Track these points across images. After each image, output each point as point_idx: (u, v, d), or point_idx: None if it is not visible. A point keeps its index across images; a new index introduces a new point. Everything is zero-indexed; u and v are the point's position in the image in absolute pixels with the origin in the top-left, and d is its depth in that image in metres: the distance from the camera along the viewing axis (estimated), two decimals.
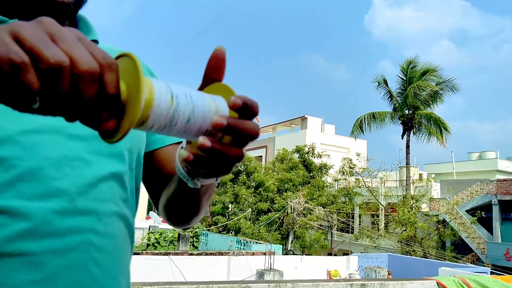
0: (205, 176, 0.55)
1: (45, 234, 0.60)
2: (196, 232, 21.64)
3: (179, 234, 16.53)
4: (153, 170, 0.84)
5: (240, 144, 0.48)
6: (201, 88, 0.54)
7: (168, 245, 18.37)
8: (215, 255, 11.83)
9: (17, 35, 0.35)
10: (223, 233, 21.22)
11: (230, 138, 0.47)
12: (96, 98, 0.38)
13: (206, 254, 11.82)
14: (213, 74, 0.52)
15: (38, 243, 0.59)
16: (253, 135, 0.47)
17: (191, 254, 11.52)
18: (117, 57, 0.42)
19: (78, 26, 0.80)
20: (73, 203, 0.63)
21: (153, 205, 0.90)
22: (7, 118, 0.62)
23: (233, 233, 21.55)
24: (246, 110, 0.47)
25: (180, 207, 0.74)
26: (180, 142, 0.90)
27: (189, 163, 0.50)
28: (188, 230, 21.02)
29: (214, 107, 0.47)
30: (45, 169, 0.62)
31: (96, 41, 0.81)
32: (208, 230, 21.19)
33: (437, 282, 4.30)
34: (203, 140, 0.46)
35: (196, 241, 21.25)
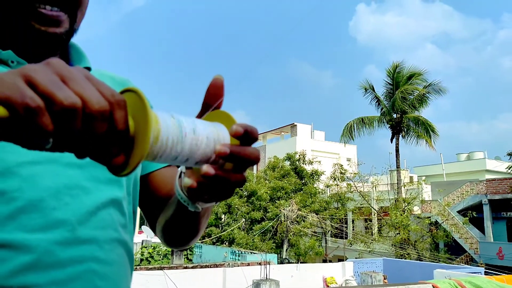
0: (208, 201, 0.56)
1: (48, 266, 0.59)
2: None
3: None
4: (148, 193, 0.85)
5: (241, 169, 0.49)
6: (200, 115, 0.55)
7: (162, 259, 18.19)
8: (210, 267, 11.74)
9: (30, 79, 0.36)
10: (217, 245, 21.08)
11: (232, 165, 0.48)
12: (106, 135, 0.39)
13: (201, 267, 11.73)
14: (212, 101, 0.53)
15: (42, 275, 0.59)
16: (254, 160, 0.49)
17: (186, 268, 11.41)
18: (122, 92, 0.43)
19: (70, 53, 0.81)
20: (74, 233, 0.64)
21: (145, 219, 0.90)
22: (5, 150, 0.62)
23: (227, 244, 21.43)
24: (247, 137, 0.48)
25: (179, 229, 0.75)
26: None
27: (192, 190, 0.51)
28: None
29: (217, 135, 0.48)
30: (45, 200, 0.62)
31: (89, 68, 0.82)
32: (202, 242, 21.03)
33: (433, 285, 4.32)
34: (207, 168, 0.47)
35: (190, 254, 21.07)
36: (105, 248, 0.67)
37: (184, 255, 18.94)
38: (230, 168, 0.48)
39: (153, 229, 0.87)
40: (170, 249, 16.54)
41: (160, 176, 0.85)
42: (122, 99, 0.40)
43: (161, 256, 18.30)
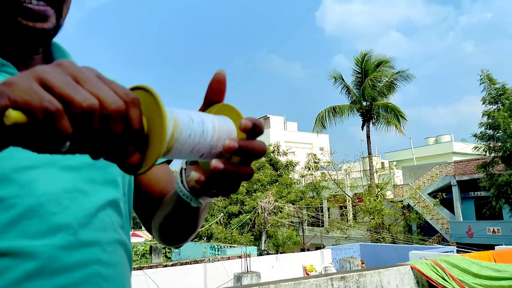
0: (214, 195, 0.56)
1: (54, 272, 0.58)
2: None
3: (150, 246, 16.21)
4: (141, 192, 0.84)
5: (248, 162, 0.49)
6: (203, 110, 0.54)
7: (140, 259, 17.98)
8: (190, 263, 11.70)
9: (45, 82, 0.35)
10: (195, 241, 21.02)
11: (239, 159, 0.48)
12: (122, 134, 0.38)
13: (181, 264, 11.67)
14: (215, 96, 0.53)
15: (48, 282, 0.58)
16: (261, 153, 0.49)
17: (166, 266, 11.33)
18: (132, 90, 0.43)
19: (52, 52, 0.79)
20: (77, 236, 0.62)
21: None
22: None
23: (205, 239, 21.39)
24: (255, 131, 0.48)
25: (178, 226, 0.74)
26: (170, 161, 0.90)
27: (200, 184, 0.50)
28: None
29: (224, 129, 0.48)
30: (45, 205, 0.61)
31: None
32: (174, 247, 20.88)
33: (411, 266, 4.47)
34: (216, 163, 0.47)
35: (168, 252, 20.92)
36: (107, 250, 0.67)
37: (163, 253, 18.78)
38: (237, 161, 0.49)
39: (148, 228, 0.86)
40: (148, 249, 16.35)
41: (152, 175, 0.84)
42: (136, 97, 0.39)
43: (139, 256, 18.09)
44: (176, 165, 0.80)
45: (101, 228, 0.67)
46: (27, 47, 0.70)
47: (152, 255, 15.41)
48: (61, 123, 0.34)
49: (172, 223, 0.74)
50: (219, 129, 0.48)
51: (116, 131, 0.37)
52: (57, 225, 0.61)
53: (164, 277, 10.24)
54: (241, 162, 0.49)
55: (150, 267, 10.86)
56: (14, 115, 0.33)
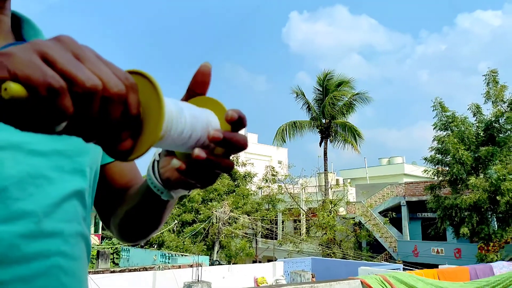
0: (191, 186, 0.55)
1: (12, 261, 0.54)
2: (116, 248, 20.57)
3: (98, 251, 15.61)
4: (103, 185, 0.80)
5: (229, 155, 0.49)
6: (185, 101, 0.54)
7: None
8: (139, 270, 11.36)
9: (46, 56, 0.33)
10: (145, 248, 20.45)
11: (222, 150, 0.48)
12: (119, 119, 0.37)
13: (130, 271, 11.31)
14: (198, 88, 0.52)
15: (6, 271, 0.54)
16: (243, 146, 0.49)
17: (113, 272, 10.94)
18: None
19: (22, 28, 0.74)
20: (40, 225, 0.59)
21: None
22: None
23: (156, 247, 20.87)
24: (239, 123, 0.48)
25: (142, 221, 0.72)
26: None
27: (181, 172, 0.50)
28: (108, 246, 19.91)
29: (210, 121, 0.48)
30: (8, 189, 0.57)
31: None
32: (129, 245, 20.28)
33: (361, 281, 4.57)
34: (198, 151, 0.46)
35: (116, 258, 20.22)
36: (70, 242, 0.64)
37: (110, 259, 18.13)
38: (220, 153, 0.49)
39: (106, 223, 0.83)
40: (95, 253, 15.72)
41: (117, 168, 0.81)
42: (134, 82, 0.38)
43: None
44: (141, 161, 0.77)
45: (65, 219, 0.63)
46: None
47: (99, 260, 14.84)
48: (63, 102, 0.32)
49: (136, 218, 0.72)
50: (205, 120, 0.48)
51: (115, 115, 0.36)
52: (19, 212, 0.57)
53: (111, 284, 9.86)
54: (223, 154, 0.49)
55: (97, 272, 10.44)
56: (15, 88, 0.31)
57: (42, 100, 0.32)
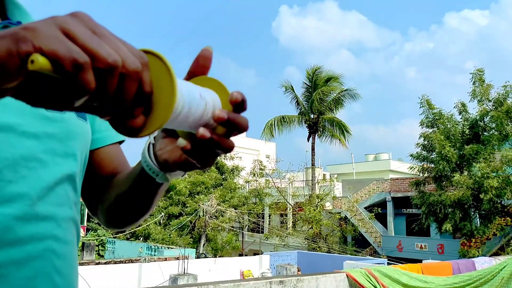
0: (190, 167, 0.55)
1: (6, 243, 0.54)
2: (102, 240, 20.44)
3: (83, 242, 15.49)
4: (91, 170, 0.79)
5: (231, 135, 0.50)
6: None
7: None
8: (125, 263, 11.31)
9: (67, 32, 0.33)
10: (131, 240, 20.35)
11: (224, 130, 0.48)
12: (134, 96, 0.38)
13: (115, 263, 11.25)
14: (199, 72, 0.52)
15: (0, 254, 0.53)
16: (245, 128, 0.49)
17: (98, 263, 10.87)
18: None
19: (7, 8, 0.72)
20: (34, 208, 0.58)
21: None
22: None
23: (142, 239, 20.78)
24: (242, 105, 0.49)
25: (132, 206, 0.72)
26: (122, 141, 0.86)
27: (186, 152, 0.50)
28: (94, 237, 19.76)
29: (215, 101, 0.49)
30: (1, 171, 0.56)
31: None
32: (115, 237, 20.15)
33: (346, 274, 4.62)
34: (203, 131, 0.46)
35: (102, 250, 20.10)
36: (62, 227, 0.63)
37: (96, 251, 18.02)
38: (222, 133, 0.49)
39: (92, 210, 0.82)
40: (80, 245, 15.60)
41: (104, 154, 0.81)
42: (148, 60, 0.39)
43: None
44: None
45: (57, 203, 0.63)
46: None
47: (84, 251, 14.73)
48: (86, 77, 0.33)
49: (126, 202, 0.72)
50: (210, 101, 0.48)
51: (131, 91, 0.36)
52: (12, 194, 0.56)
53: (96, 275, 9.80)
54: (224, 134, 0.49)
55: (81, 264, 10.37)
56: (42, 61, 0.31)
57: (66, 74, 0.32)
